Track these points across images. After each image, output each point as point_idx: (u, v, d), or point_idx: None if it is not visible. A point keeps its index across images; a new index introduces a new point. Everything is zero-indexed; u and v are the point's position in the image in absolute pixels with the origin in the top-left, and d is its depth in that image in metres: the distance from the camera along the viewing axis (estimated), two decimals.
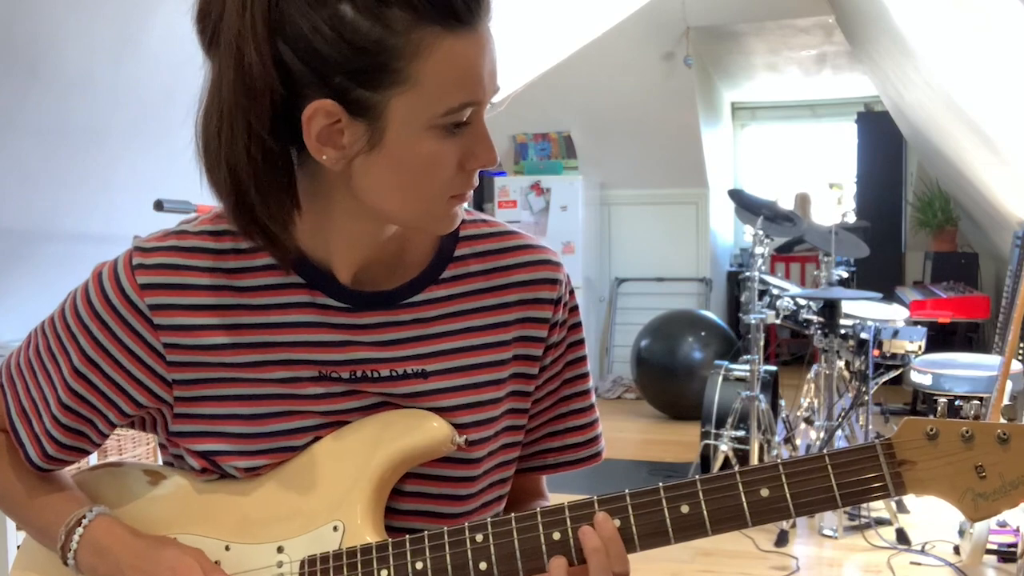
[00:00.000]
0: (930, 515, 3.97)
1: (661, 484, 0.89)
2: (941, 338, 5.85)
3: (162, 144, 3.09)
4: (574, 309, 1.06)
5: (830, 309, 4.25)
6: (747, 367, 4.37)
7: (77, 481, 1.05)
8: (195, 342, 0.95)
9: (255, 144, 0.86)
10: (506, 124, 7.17)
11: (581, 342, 1.07)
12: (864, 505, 3.90)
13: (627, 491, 0.90)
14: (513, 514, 0.92)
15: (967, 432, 0.84)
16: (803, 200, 7.30)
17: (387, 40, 0.82)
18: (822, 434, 4.21)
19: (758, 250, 4.41)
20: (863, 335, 4.18)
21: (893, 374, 4.27)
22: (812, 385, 4.50)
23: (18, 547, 1.09)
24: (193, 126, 0.89)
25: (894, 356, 4.20)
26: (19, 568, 1.07)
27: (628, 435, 5.93)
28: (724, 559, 3.70)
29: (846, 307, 4.36)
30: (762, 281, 4.51)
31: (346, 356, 0.97)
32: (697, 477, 0.89)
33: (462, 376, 0.99)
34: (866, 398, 4.17)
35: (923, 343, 4.22)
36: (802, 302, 4.43)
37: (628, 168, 7.41)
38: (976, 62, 3.68)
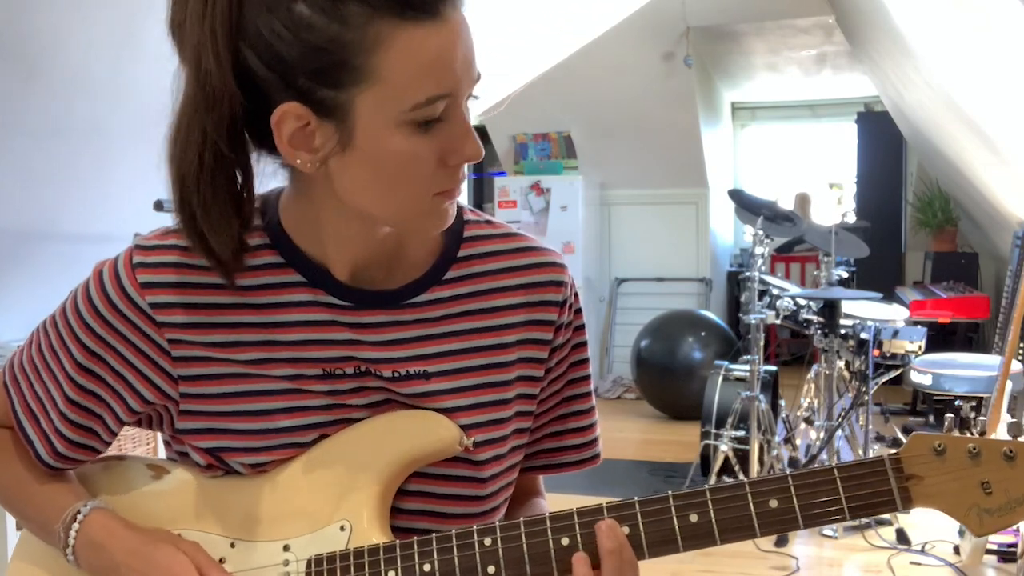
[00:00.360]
0: (930, 515, 3.95)
1: (671, 492, 0.89)
2: (941, 338, 5.85)
3: (162, 144, 3.09)
4: (578, 311, 1.06)
5: (830, 309, 4.25)
6: (747, 367, 4.36)
7: (79, 475, 1.05)
8: (198, 339, 0.95)
9: (208, 152, 0.85)
10: (506, 124, 7.17)
11: (584, 344, 1.07)
12: None
13: (636, 498, 0.90)
14: (522, 518, 0.91)
15: (974, 449, 0.85)
16: (803, 200, 7.30)
17: (344, 36, 0.81)
18: (822, 434, 4.21)
19: (758, 250, 4.40)
20: (863, 335, 4.18)
21: (893, 374, 4.27)
22: (812, 385, 4.50)
23: (17, 541, 1.09)
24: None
25: (894, 356, 4.20)
26: (19, 558, 1.07)
27: (628, 435, 5.93)
28: (724, 559, 3.70)
29: (846, 307, 4.36)
30: (762, 281, 4.51)
31: (349, 354, 0.96)
32: (706, 487, 0.89)
33: (464, 377, 0.98)
34: (866, 398, 4.17)
35: (923, 343, 4.22)
36: (802, 302, 4.42)
37: (628, 168, 7.41)
38: (976, 62, 3.68)
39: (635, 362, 6.36)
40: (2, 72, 2.52)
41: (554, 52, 5.56)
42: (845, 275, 5.11)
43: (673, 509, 0.89)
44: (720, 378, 4.68)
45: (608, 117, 7.10)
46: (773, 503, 0.87)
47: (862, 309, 4.55)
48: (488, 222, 1.05)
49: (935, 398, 5.38)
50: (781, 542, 3.81)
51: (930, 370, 4.15)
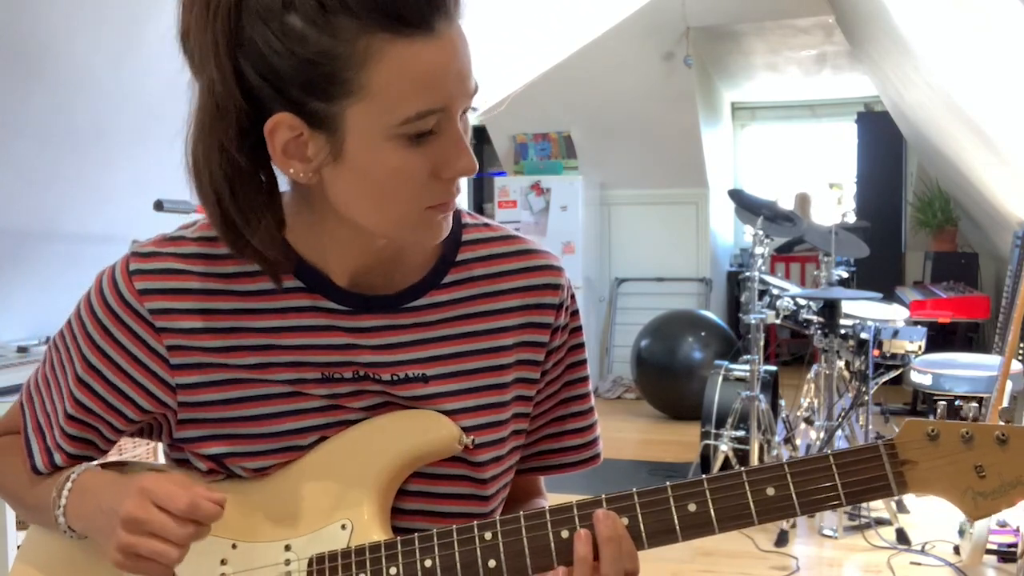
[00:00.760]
0: (930, 515, 3.97)
1: (668, 483, 0.90)
2: (941, 338, 5.85)
3: (162, 144, 3.08)
4: (575, 313, 1.07)
5: (830, 309, 4.25)
6: (747, 367, 4.37)
7: None
8: (198, 345, 0.95)
9: (227, 162, 0.86)
10: (506, 124, 7.17)
11: (581, 345, 1.08)
12: (864, 505, 3.90)
13: (635, 490, 0.91)
14: (522, 512, 0.92)
15: (967, 433, 0.86)
16: (803, 200, 7.30)
17: (335, 50, 0.81)
18: (822, 434, 4.21)
19: (758, 250, 4.41)
20: (863, 335, 4.18)
21: (893, 374, 4.27)
22: (812, 385, 4.50)
23: (18, 547, 1.09)
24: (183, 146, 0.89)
25: (894, 356, 4.20)
26: (22, 561, 1.07)
27: (628, 435, 5.94)
28: (724, 559, 3.71)
29: (846, 307, 4.36)
30: (762, 281, 4.51)
31: (348, 359, 0.97)
32: (704, 476, 0.90)
33: (463, 380, 0.99)
34: (866, 398, 4.17)
35: (923, 343, 4.23)
36: (802, 302, 4.43)
37: (628, 168, 7.41)
38: (976, 62, 3.68)
39: (635, 362, 6.36)
40: (3, 73, 2.52)
41: (554, 52, 5.56)
42: (845, 275, 5.11)
43: (671, 499, 0.89)
44: (720, 378, 4.69)
45: (608, 117, 7.10)
46: (770, 491, 0.88)
47: (862, 309, 4.56)
48: (486, 225, 1.05)
49: (935, 398, 5.37)
50: (781, 542, 3.81)
51: (930, 370, 4.16)
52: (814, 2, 6.07)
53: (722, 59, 7.40)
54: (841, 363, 4.35)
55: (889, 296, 5.61)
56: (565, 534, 0.90)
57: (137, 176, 3.19)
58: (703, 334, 6.18)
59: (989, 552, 3.46)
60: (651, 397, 6.39)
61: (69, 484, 0.97)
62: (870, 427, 4.32)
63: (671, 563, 3.63)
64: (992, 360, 4.13)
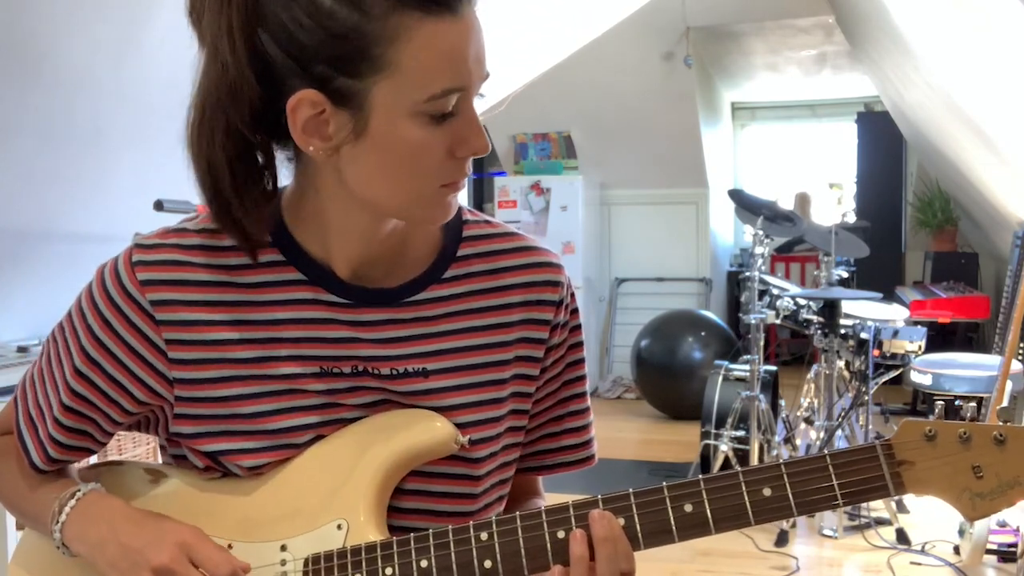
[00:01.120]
0: (930, 515, 3.97)
1: (665, 484, 0.90)
2: (941, 338, 5.85)
3: (162, 144, 3.09)
4: (575, 311, 1.07)
5: (830, 309, 4.25)
6: (747, 367, 4.37)
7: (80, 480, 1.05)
8: (198, 337, 0.95)
9: (232, 139, 0.87)
10: (506, 124, 7.17)
11: (580, 344, 1.08)
12: (864, 505, 3.90)
13: (631, 490, 0.90)
14: (518, 512, 0.92)
15: (964, 433, 0.86)
16: (803, 200, 7.30)
17: (365, 26, 0.82)
18: (822, 434, 4.21)
19: (758, 250, 4.41)
20: (863, 335, 4.18)
21: (893, 374, 4.27)
22: (812, 385, 4.50)
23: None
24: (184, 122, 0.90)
25: (894, 356, 4.20)
26: (17, 564, 1.07)
27: (628, 435, 5.93)
28: (724, 559, 3.70)
29: (846, 307, 4.36)
30: (762, 281, 4.51)
31: (348, 352, 0.97)
32: (700, 477, 0.90)
33: (463, 375, 0.99)
34: (866, 398, 4.17)
35: (923, 343, 4.23)
36: (802, 302, 4.43)
37: (628, 168, 7.41)
38: (976, 62, 3.68)
39: (635, 362, 6.36)
40: (3, 73, 2.52)
41: (554, 52, 5.56)
42: (845, 275, 5.11)
43: (668, 500, 0.89)
44: (720, 378, 4.69)
45: (608, 117, 7.10)
46: (767, 491, 0.88)
47: (862, 309, 4.56)
48: (487, 222, 1.06)
49: (935, 398, 5.37)
50: (781, 542, 3.81)
51: (930, 370, 4.16)
52: (814, 2, 6.07)
53: (722, 59, 7.40)
54: (841, 363, 4.35)
55: (889, 296, 5.61)
56: (561, 534, 0.90)
57: (137, 176, 3.19)
58: (703, 334, 6.18)
59: (989, 552, 3.46)
60: (651, 397, 6.39)
61: (72, 502, 0.97)
62: (870, 427, 4.32)
63: (670, 563, 3.63)
64: (992, 360, 4.13)
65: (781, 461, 0.89)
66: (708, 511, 0.88)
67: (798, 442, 4.66)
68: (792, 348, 7.78)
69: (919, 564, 3.61)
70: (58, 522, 0.96)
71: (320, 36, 0.83)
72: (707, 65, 7.36)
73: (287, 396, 0.96)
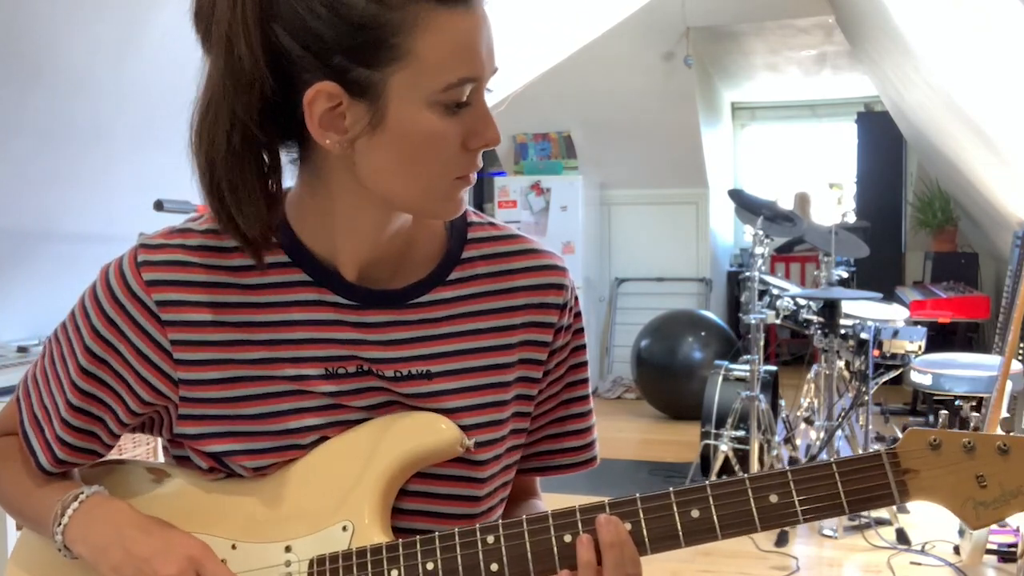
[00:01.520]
0: (930, 515, 3.97)
1: (672, 489, 0.90)
2: (941, 338, 5.85)
3: (163, 144, 3.09)
4: (578, 314, 1.07)
5: (830, 309, 4.26)
6: (747, 367, 4.37)
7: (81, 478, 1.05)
8: (204, 338, 0.95)
9: (237, 133, 0.87)
10: (506, 124, 7.16)
11: (583, 347, 1.08)
12: None
13: (638, 495, 0.91)
14: (524, 516, 0.92)
15: (969, 443, 0.87)
16: (803, 200, 7.30)
17: (383, 15, 0.83)
18: (822, 434, 4.21)
19: (758, 250, 4.41)
20: (863, 335, 4.18)
21: (893, 374, 4.28)
22: (812, 385, 4.50)
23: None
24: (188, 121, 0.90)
25: (894, 356, 4.20)
26: (16, 563, 1.06)
27: (628, 435, 5.94)
28: (724, 559, 3.71)
29: (846, 307, 4.36)
30: (762, 281, 4.52)
31: (353, 354, 0.97)
32: (707, 482, 0.90)
33: (467, 378, 0.99)
34: (866, 398, 4.18)
35: (923, 343, 4.23)
36: (802, 302, 4.43)
37: (628, 168, 7.41)
38: (976, 62, 3.68)
39: (635, 362, 6.36)
40: (3, 73, 2.52)
41: (554, 52, 5.56)
42: (845, 275, 5.11)
43: (675, 505, 0.89)
44: (720, 378, 4.69)
45: (608, 117, 7.10)
46: (773, 498, 0.88)
47: (862, 309, 4.56)
48: (491, 224, 1.06)
49: (935, 398, 5.37)
50: (781, 542, 3.81)
51: (930, 370, 4.15)
52: (814, 2, 6.08)
53: (722, 59, 7.40)
54: (841, 363, 4.35)
55: (889, 296, 5.61)
56: (568, 538, 0.90)
57: (137, 176, 3.19)
58: (703, 334, 6.18)
59: (989, 552, 3.46)
60: (651, 397, 6.39)
61: (76, 504, 0.96)
62: (870, 427, 4.33)
63: (671, 563, 3.63)
64: (992, 360, 4.13)
65: (788, 468, 0.89)
66: (715, 517, 0.89)
67: (798, 442, 4.66)
68: (792, 348, 7.78)
69: (919, 564, 3.61)
70: (60, 524, 0.96)
71: (338, 26, 0.83)
72: (707, 65, 7.36)
73: (292, 397, 0.96)
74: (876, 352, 4.16)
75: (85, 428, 0.98)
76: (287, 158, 0.94)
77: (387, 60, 0.84)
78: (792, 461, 4.43)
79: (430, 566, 0.91)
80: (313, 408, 0.97)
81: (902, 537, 3.79)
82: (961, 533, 3.62)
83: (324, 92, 0.85)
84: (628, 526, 0.90)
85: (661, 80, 6.77)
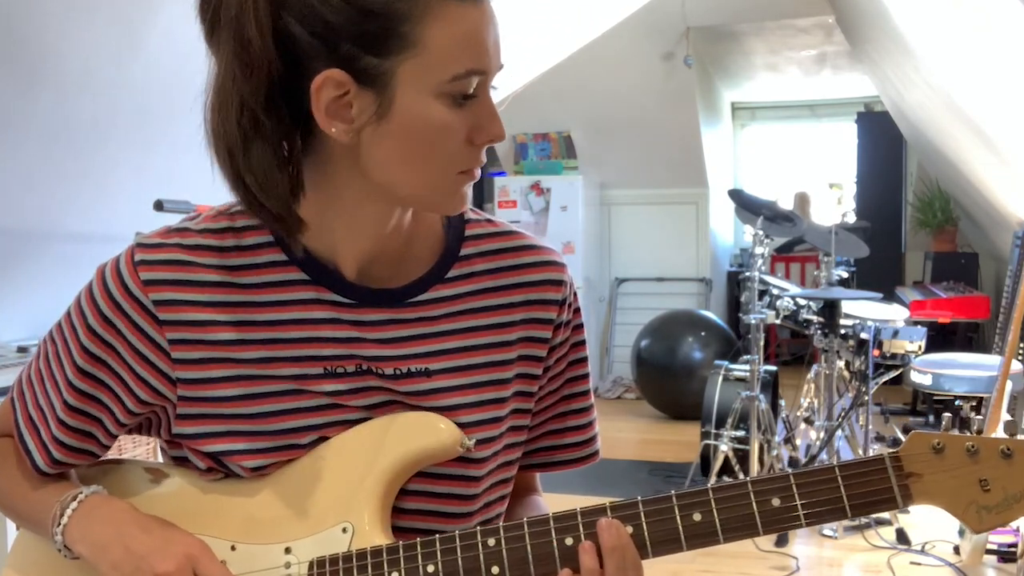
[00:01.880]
0: (930, 515, 3.97)
1: (674, 492, 0.90)
2: (941, 338, 5.85)
3: (162, 144, 3.09)
4: (577, 310, 1.07)
5: (830, 309, 4.25)
6: (747, 367, 4.36)
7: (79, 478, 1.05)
8: (202, 337, 0.95)
9: (247, 119, 0.86)
10: (506, 124, 7.08)
11: (583, 343, 1.08)
12: None
13: (639, 498, 0.90)
14: (525, 518, 0.92)
15: (972, 447, 0.87)
16: (803, 200, 7.30)
17: (393, 4, 0.83)
18: (822, 434, 4.21)
19: (758, 250, 4.40)
20: (863, 335, 4.18)
21: (893, 374, 4.27)
22: (812, 385, 4.50)
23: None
24: (201, 114, 0.89)
25: (894, 356, 4.20)
26: (12, 567, 1.06)
27: (628, 435, 5.93)
28: (724, 559, 3.70)
29: (846, 307, 4.36)
30: (762, 281, 4.51)
31: (351, 352, 0.97)
32: (709, 486, 0.90)
33: (466, 375, 0.99)
34: (866, 398, 4.17)
35: (923, 343, 4.23)
36: (802, 302, 4.43)
37: (628, 168, 7.41)
38: (976, 62, 3.68)
39: (635, 362, 6.36)
40: (3, 73, 2.52)
41: (554, 52, 5.56)
42: (845, 275, 5.11)
43: (676, 509, 0.89)
44: (720, 378, 4.68)
45: (608, 117, 7.10)
46: (775, 502, 0.88)
47: (862, 309, 4.56)
48: (489, 220, 1.06)
49: (935, 398, 5.38)
50: (781, 542, 3.81)
51: (930, 370, 4.16)
52: (814, 2, 6.07)
53: (722, 59, 7.40)
54: (841, 363, 4.35)
55: (889, 296, 5.61)
56: (569, 541, 0.90)
57: (137, 176, 3.19)
58: (703, 334, 6.17)
59: (989, 552, 3.46)
60: (651, 397, 6.39)
61: (75, 504, 0.96)
62: (870, 427, 4.32)
63: (671, 563, 3.62)
64: (992, 360, 4.13)
65: (790, 472, 0.89)
66: (717, 520, 0.89)
67: (798, 442, 4.65)
68: (792, 348, 7.78)
69: (919, 564, 3.61)
70: (60, 524, 0.95)
71: (347, 14, 0.83)
72: (707, 65, 7.36)
73: (291, 397, 0.96)
74: (876, 352, 4.16)
75: (82, 429, 0.98)
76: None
77: (396, 49, 0.84)
78: (792, 461, 4.43)
79: (431, 568, 0.91)
80: (312, 408, 0.96)
81: (902, 537, 3.79)
82: (961, 533, 3.62)
83: (332, 80, 0.85)
84: (630, 529, 0.89)
85: (661, 80, 6.77)
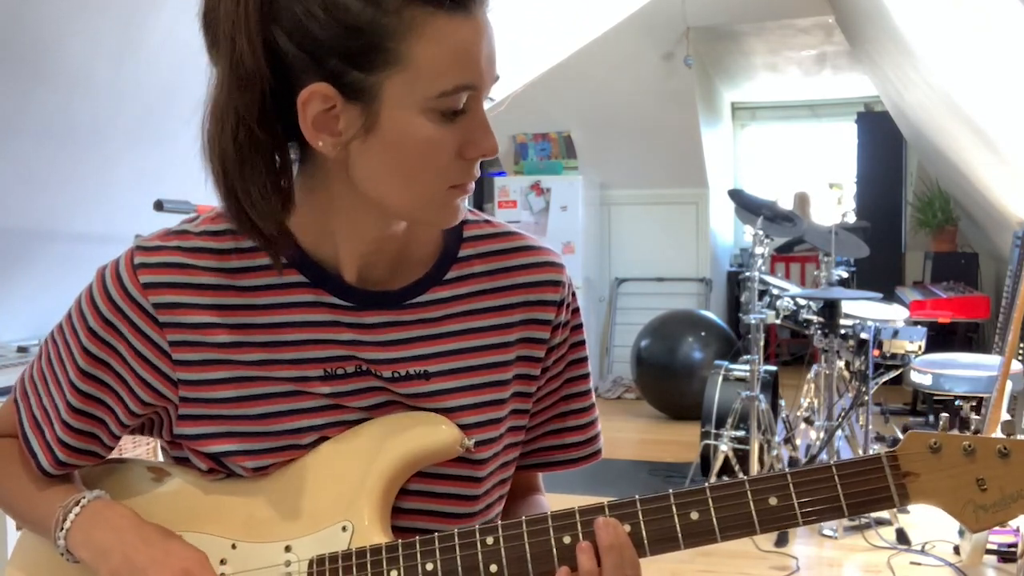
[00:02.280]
0: (930, 515, 3.96)
1: (671, 491, 0.90)
2: (941, 338, 5.85)
3: (162, 144, 3.09)
4: (576, 310, 1.07)
5: (830, 309, 4.25)
6: (747, 367, 4.36)
7: (81, 477, 1.05)
8: (202, 339, 0.95)
9: (243, 134, 0.86)
10: (506, 124, 7.17)
11: (582, 343, 1.08)
12: None
13: (637, 496, 0.91)
14: (524, 517, 0.92)
15: (969, 446, 0.87)
16: (803, 200, 7.30)
17: (379, 20, 0.83)
18: (822, 434, 4.21)
19: (758, 250, 4.40)
20: (863, 335, 4.18)
21: (893, 374, 4.27)
22: (812, 385, 4.50)
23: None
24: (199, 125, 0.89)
25: (894, 356, 4.20)
26: (15, 567, 1.06)
27: (628, 435, 5.93)
28: (724, 559, 3.70)
29: (846, 307, 4.36)
30: (762, 281, 4.51)
31: (351, 355, 0.97)
32: (707, 485, 0.90)
33: (465, 377, 0.99)
34: (866, 398, 4.17)
35: (923, 343, 4.23)
36: (802, 302, 4.43)
37: (628, 168, 7.41)
38: (976, 62, 3.68)
39: (635, 362, 6.36)
40: (3, 73, 2.52)
41: (554, 52, 5.56)
42: (845, 275, 5.11)
43: (674, 507, 0.89)
44: (720, 378, 4.69)
45: (608, 117, 7.10)
46: (773, 501, 0.88)
47: (862, 309, 4.56)
48: (487, 221, 1.06)
49: (935, 398, 5.38)
50: (781, 542, 3.81)
51: (930, 370, 4.15)
52: (814, 2, 6.08)
53: (722, 59, 7.40)
54: (841, 363, 4.35)
55: (889, 296, 5.61)
56: (567, 540, 0.90)
57: (137, 176, 3.19)
58: (703, 334, 6.17)
59: (989, 552, 3.46)
60: (651, 397, 6.39)
61: (77, 508, 0.96)
62: (870, 427, 4.32)
63: (671, 563, 3.63)
64: (992, 360, 4.13)
65: (787, 470, 0.89)
66: (714, 519, 0.89)
67: (798, 442, 4.65)
68: (792, 348, 7.78)
69: (919, 564, 3.61)
70: (62, 528, 0.96)
71: (334, 29, 0.83)
72: (707, 65, 7.36)
73: (291, 398, 0.96)
74: (876, 352, 4.16)
75: (86, 430, 0.98)
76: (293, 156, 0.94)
77: (381, 64, 0.84)
78: (792, 461, 4.43)
79: (430, 567, 0.91)
80: (312, 409, 0.97)
81: (902, 537, 3.79)
82: (961, 533, 3.62)
83: (319, 94, 0.85)
84: (627, 528, 0.90)
85: (661, 80, 6.77)
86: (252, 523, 0.97)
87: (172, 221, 1.03)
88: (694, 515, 0.89)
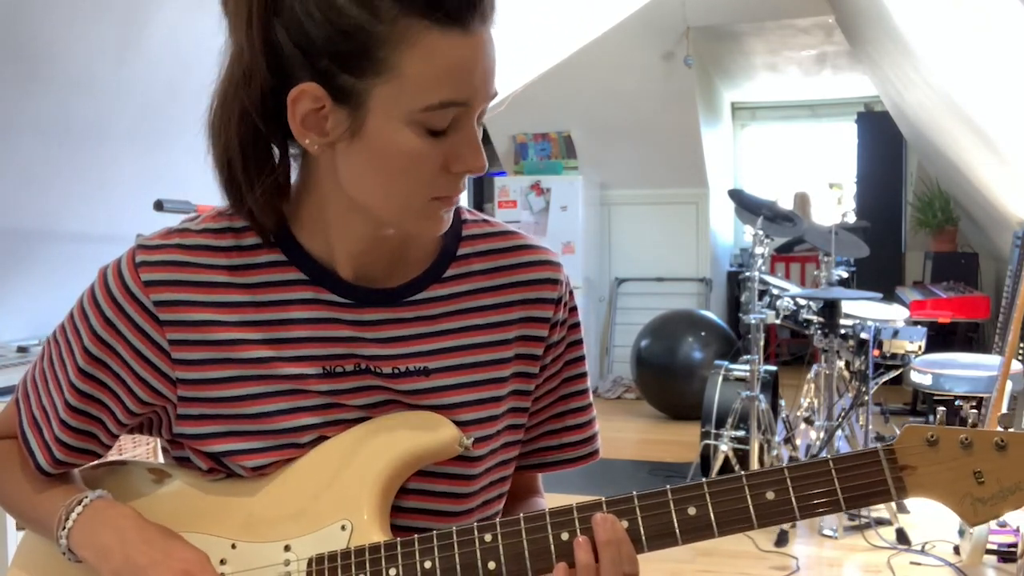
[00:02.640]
0: (930, 515, 3.97)
1: (668, 487, 0.90)
2: (941, 338, 5.85)
3: (163, 144, 3.09)
4: (573, 309, 1.07)
5: (830, 309, 4.25)
6: (747, 367, 4.37)
7: (83, 479, 1.05)
8: (202, 338, 0.96)
9: (245, 125, 0.89)
10: (506, 124, 7.17)
11: (580, 342, 1.08)
12: None
13: (635, 493, 0.91)
14: (522, 514, 0.92)
15: (966, 439, 0.87)
16: (803, 200, 7.31)
17: (373, 26, 0.83)
18: (822, 434, 4.21)
19: (758, 250, 4.41)
20: (863, 335, 4.18)
21: (893, 374, 4.27)
22: (812, 385, 4.50)
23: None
24: (204, 110, 0.92)
25: (894, 356, 4.20)
26: (17, 566, 1.07)
27: (628, 435, 5.94)
28: (724, 559, 3.71)
29: (846, 307, 4.36)
30: (762, 281, 4.51)
31: (350, 352, 0.97)
32: (704, 480, 0.90)
33: (464, 374, 0.99)
34: (866, 398, 4.18)
35: (923, 343, 4.23)
36: (802, 302, 4.43)
37: (628, 168, 7.41)
38: (976, 62, 3.68)
39: (635, 362, 6.36)
40: (3, 73, 2.52)
41: (554, 52, 5.56)
42: (845, 275, 5.11)
43: (671, 503, 0.90)
44: (720, 378, 4.69)
45: (608, 117, 7.10)
46: (770, 495, 0.88)
47: (862, 309, 4.56)
48: (486, 220, 1.06)
49: (935, 398, 5.37)
50: (781, 542, 3.81)
51: (930, 370, 4.15)
52: (814, 2, 6.08)
53: (722, 59, 7.40)
54: (841, 363, 4.35)
55: (889, 296, 5.61)
56: (565, 536, 0.90)
57: (137, 176, 3.19)
58: (703, 334, 6.18)
59: (989, 552, 3.46)
60: (651, 397, 6.39)
61: (79, 508, 0.96)
62: (870, 427, 4.32)
63: (671, 563, 3.63)
64: (992, 360, 4.13)
65: (784, 465, 0.89)
66: (711, 514, 0.89)
67: (798, 442, 4.66)
68: (792, 348, 7.78)
69: (919, 564, 3.61)
70: (65, 528, 0.96)
71: (328, 31, 0.84)
72: (707, 65, 7.36)
73: (291, 396, 0.97)
74: (876, 352, 4.16)
75: (83, 429, 0.98)
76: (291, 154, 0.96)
77: (371, 71, 0.84)
78: (792, 461, 4.42)
79: (428, 564, 0.92)
80: (311, 407, 0.97)
81: (902, 537, 3.79)
82: (961, 533, 3.62)
83: (309, 93, 0.86)
84: (625, 524, 0.90)
85: (661, 80, 6.77)
86: (251, 523, 0.97)
87: (172, 221, 1.03)
88: (691, 510, 0.89)
